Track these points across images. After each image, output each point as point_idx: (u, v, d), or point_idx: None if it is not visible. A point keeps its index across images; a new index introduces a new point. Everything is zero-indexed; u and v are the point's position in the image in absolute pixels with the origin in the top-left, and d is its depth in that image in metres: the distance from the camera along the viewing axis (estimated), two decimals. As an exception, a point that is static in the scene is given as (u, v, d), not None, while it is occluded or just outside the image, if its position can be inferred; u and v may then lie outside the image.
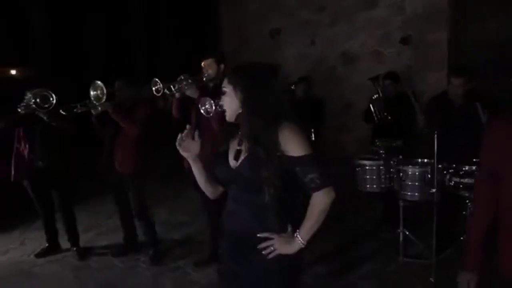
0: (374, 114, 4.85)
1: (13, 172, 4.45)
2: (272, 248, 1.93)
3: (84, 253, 4.60)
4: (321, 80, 8.29)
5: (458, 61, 6.92)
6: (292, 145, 1.86)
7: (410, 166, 3.78)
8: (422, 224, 4.28)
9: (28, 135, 4.42)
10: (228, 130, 2.06)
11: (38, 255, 4.59)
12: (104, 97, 3.82)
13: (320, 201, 1.91)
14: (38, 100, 4.07)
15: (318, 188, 1.89)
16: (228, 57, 9.21)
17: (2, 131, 4.28)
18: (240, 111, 1.94)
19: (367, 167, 4.03)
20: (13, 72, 11.90)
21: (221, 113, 2.03)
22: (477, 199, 2.03)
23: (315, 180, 1.87)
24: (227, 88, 1.96)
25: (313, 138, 4.72)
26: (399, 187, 3.85)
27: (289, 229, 1.96)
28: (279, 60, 8.96)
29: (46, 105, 4.06)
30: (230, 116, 1.98)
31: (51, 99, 4.07)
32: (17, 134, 4.46)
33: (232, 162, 1.99)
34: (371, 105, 4.89)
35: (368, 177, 4.03)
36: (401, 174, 3.78)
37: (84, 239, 4.81)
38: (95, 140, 4.48)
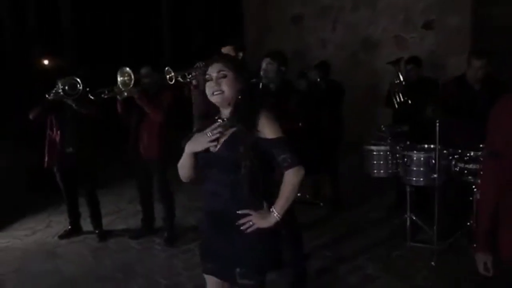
0: (394, 99, 4.84)
1: (46, 159, 4.69)
2: (250, 223, 2.09)
3: (105, 235, 4.83)
4: (343, 66, 8.27)
5: (480, 45, 6.78)
6: (268, 129, 2.07)
7: (415, 151, 3.80)
8: (432, 209, 4.31)
9: (59, 122, 4.64)
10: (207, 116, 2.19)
11: (61, 237, 4.86)
12: (131, 83, 3.97)
13: (291, 178, 2.10)
14: (66, 87, 4.32)
15: (289, 167, 2.08)
16: (251, 44, 9.37)
17: (36, 118, 4.55)
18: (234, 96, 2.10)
19: (374, 153, 4.07)
20: (46, 62, 12.37)
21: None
22: (484, 180, 2.05)
23: (287, 159, 2.07)
24: (227, 72, 2.09)
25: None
26: (404, 173, 3.87)
27: (265, 205, 2.14)
28: (301, 47, 9.00)
29: (74, 93, 4.31)
30: (225, 99, 2.10)
31: (79, 86, 4.32)
32: (49, 122, 4.68)
33: (212, 148, 2.12)
34: (390, 90, 4.88)
35: (375, 162, 4.08)
36: (405, 159, 3.81)
37: (105, 222, 5.03)
38: (121, 127, 4.67)
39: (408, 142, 4.02)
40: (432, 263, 3.71)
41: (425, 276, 3.65)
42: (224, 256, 2.17)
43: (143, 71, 4.46)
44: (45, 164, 4.70)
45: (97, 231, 4.86)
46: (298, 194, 5.44)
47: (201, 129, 2.17)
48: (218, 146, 2.11)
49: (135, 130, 4.52)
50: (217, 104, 2.14)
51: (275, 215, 2.10)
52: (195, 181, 2.28)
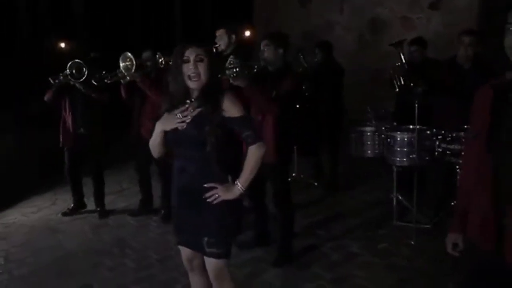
0: (395, 82, 4.80)
1: (61, 139, 4.93)
2: (216, 195, 2.26)
3: (106, 213, 5.06)
4: (350, 48, 8.26)
5: (488, 26, 6.69)
6: (233, 108, 2.25)
7: (398, 132, 3.86)
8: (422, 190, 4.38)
9: (71, 105, 4.87)
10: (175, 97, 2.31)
11: (65, 214, 5.09)
12: (133, 67, 4.15)
13: (254, 153, 2.29)
14: (74, 71, 4.51)
15: (252, 143, 2.28)
16: (260, 25, 9.36)
17: (50, 101, 4.79)
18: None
19: (362, 134, 4.14)
20: (62, 45, 12.61)
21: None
22: (465, 162, 2.07)
23: (250, 136, 2.28)
24: (204, 57, 2.23)
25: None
26: (389, 153, 3.94)
27: (230, 179, 2.32)
28: (309, 28, 9.00)
29: (80, 76, 4.50)
30: (201, 82, 2.24)
31: (84, 70, 4.50)
32: (63, 104, 4.91)
33: (180, 126, 2.26)
34: (392, 73, 4.83)
35: (363, 143, 4.14)
36: (389, 140, 3.87)
37: (107, 201, 5.24)
38: (125, 110, 4.85)
39: (394, 123, 4.07)
40: (412, 242, 3.79)
41: (405, 254, 3.74)
42: (194, 228, 2.34)
43: (145, 55, 4.60)
44: (60, 144, 4.94)
45: (98, 209, 5.08)
46: (293, 174, 5.62)
47: (170, 109, 2.31)
48: (186, 125, 2.25)
49: (137, 113, 4.70)
50: (193, 88, 2.26)
51: (239, 187, 2.29)
52: (166, 157, 2.45)
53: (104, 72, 4.53)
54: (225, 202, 2.28)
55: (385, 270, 3.54)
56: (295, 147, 5.07)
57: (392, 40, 4.80)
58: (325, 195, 5.34)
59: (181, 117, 2.23)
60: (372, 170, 5.67)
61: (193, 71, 2.20)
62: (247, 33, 10.74)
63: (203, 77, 2.23)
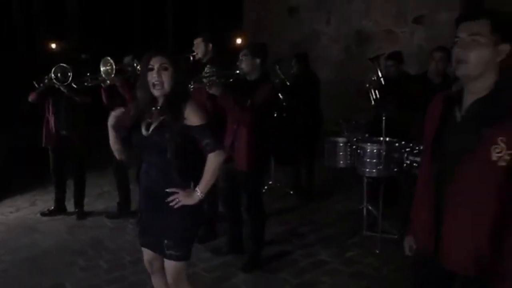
0: (370, 95, 4.92)
1: (43, 139, 5.00)
2: (177, 200, 2.35)
3: (84, 215, 5.12)
4: (337, 59, 8.39)
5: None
6: (193, 117, 2.33)
7: (368, 143, 3.97)
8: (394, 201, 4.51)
9: (54, 107, 4.93)
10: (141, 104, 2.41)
11: (43, 214, 5.15)
12: (113, 72, 4.22)
13: (213, 161, 2.39)
14: (58, 75, 4.57)
15: (212, 150, 2.37)
16: (250, 34, 9.42)
17: (35, 102, 4.85)
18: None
19: (335, 144, 4.25)
20: (53, 45, 12.65)
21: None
22: (419, 172, 2.17)
23: (209, 144, 2.36)
24: (168, 66, 2.32)
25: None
26: (359, 164, 4.05)
27: (192, 185, 2.43)
28: (296, 38, 9.12)
29: (65, 79, 4.54)
30: (165, 90, 2.34)
31: (69, 73, 4.54)
32: (47, 106, 4.98)
33: (144, 132, 2.38)
34: (368, 86, 4.95)
35: (335, 153, 4.26)
36: (359, 151, 3.98)
37: (86, 203, 5.30)
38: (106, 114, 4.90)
39: (366, 135, 4.18)
40: (377, 251, 3.91)
41: (371, 262, 3.86)
42: (156, 230, 2.44)
43: (126, 60, 4.69)
44: (43, 144, 5.01)
45: (77, 210, 5.15)
46: (270, 182, 5.71)
47: (136, 114, 2.41)
48: (150, 131, 2.35)
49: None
50: (156, 96, 2.36)
51: (198, 193, 2.38)
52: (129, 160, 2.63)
53: (88, 74, 4.60)
54: (187, 207, 2.37)
55: (351, 278, 3.65)
56: (272, 156, 5.16)
57: (376, 53, 4.94)
58: (300, 204, 5.44)
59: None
60: (347, 180, 5.79)
61: (156, 79, 2.30)
62: (239, 41, 10.84)
63: (166, 85, 2.31)
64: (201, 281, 3.58)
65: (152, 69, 2.30)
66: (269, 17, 9.66)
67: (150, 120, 2.37)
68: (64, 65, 4.61)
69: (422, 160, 2.11)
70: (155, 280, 2.69)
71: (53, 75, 4.56)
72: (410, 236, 2.10)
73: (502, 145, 1.58)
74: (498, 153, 1.58)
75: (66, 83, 4.57)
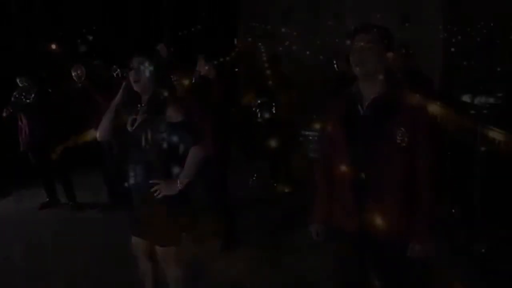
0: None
1: (21, 145, 5.28)
2: (159, 190, 2.56)
3: (78, 207, 5.41)
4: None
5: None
6: (175, 114, 2.53)
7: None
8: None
9: (27, 117, 5.18)
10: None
11: (42, 207, 5.43)
12: (83, 76, 4.54)
13: (194, 154, 2.58)
14: (23, 94, 4.95)
15: (193, 145, 2.56)
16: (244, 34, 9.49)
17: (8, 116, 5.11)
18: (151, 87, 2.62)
19: (310, 137, 4.49)
20: (54, 47, 12.88)
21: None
22: (320, 164, 2.40)
23: (190, 140, 2.56)
24: (148, 65, 2.58)
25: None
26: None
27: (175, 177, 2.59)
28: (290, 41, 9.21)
29: (30, 95, 4.92)
30: (142, 87, 2.61)
31: (31, 91, 4.92)
32: (19, 117, 5.23)
33: (130, 128, 2.64)
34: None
35: (311, 146, 4.50)
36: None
37: (80, 198, 5.57)
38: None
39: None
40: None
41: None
42: (145, 220, 2.66)
43: (95, 63, 5.04)
44: (21, 148, 5.28)
45: (71, 203, 5.43)
46: (254, 176, 5.92)
47: (121, 108, 2.70)
48: (134, 126, 2.61)
49: (92, 120, 4.92)
50: (138, 91, 2.63)
51: (178, 184, 2.57)
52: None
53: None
54: (172, 197, 2.56)
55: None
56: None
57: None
58: (280, 195, 5.54)
59: None
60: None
61: (135, 77, 2.57)
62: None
63: (143, 82, 2.57)
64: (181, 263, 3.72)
65: (133, 68, 2.57)
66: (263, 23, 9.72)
67: (135, 117, 2.62)
68: (26, 84, 4.96)
69: (325, 152, 2.33)
70: (144, 267, 2.91)
71: (17, 94, 4.86)
72: (315, 223, 2.35)
73: (403, 130, 2.02)
74: (400, 137, 2.02)
75: (31, 99, 4.90)
